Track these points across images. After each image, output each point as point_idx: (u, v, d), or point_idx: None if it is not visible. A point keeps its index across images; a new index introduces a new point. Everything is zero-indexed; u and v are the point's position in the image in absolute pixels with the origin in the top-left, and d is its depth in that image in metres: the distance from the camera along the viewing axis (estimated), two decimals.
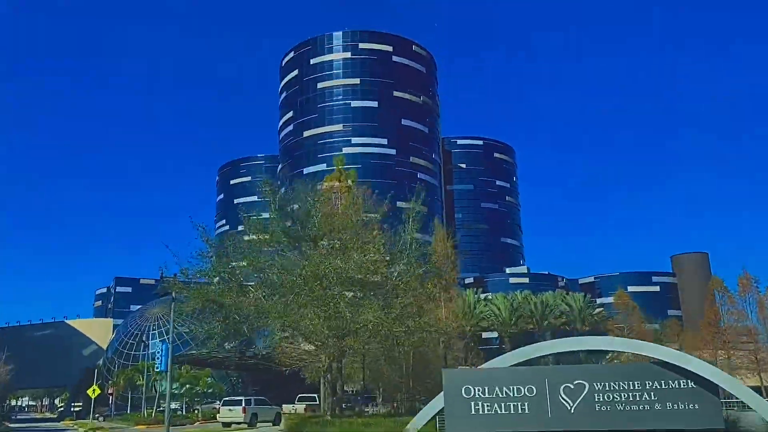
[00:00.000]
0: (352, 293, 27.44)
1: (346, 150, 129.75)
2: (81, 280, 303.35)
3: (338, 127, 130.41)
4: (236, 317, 29.24)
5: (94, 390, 57.49)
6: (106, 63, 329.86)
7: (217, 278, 28.72)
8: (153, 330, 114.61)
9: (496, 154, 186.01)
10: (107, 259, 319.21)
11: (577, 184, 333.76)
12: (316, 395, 49.93)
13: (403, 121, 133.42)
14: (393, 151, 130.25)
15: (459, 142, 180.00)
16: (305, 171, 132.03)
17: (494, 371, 19.14)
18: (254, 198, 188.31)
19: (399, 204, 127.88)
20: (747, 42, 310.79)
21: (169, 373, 31.95)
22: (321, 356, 28.37)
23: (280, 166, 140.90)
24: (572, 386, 17.86)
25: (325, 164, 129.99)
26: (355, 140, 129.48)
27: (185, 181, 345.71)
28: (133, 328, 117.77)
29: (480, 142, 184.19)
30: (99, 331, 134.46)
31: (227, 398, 45.01)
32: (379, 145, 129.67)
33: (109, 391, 75.17)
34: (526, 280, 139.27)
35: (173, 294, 32.29)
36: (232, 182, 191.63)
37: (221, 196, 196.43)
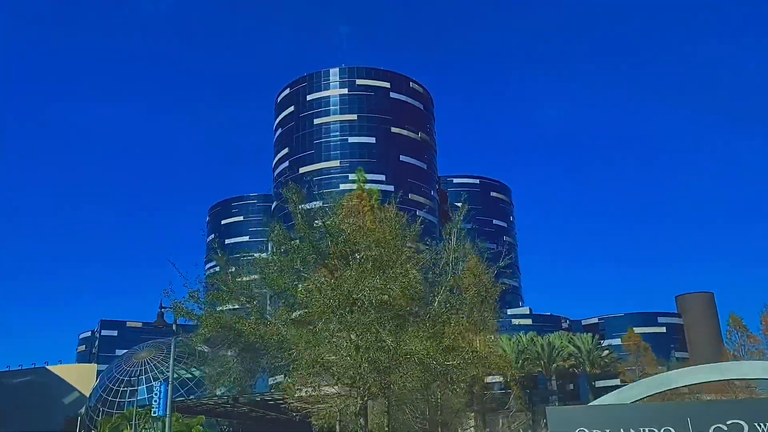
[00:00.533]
0: (392, 321, 22.92)
1: (343, 186, 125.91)
2: (64, 323, 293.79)
3: (335, 163, 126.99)
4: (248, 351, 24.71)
5: None
6: (92, 101, 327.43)
7: (232, 301, 24.25)
8: (141, 375, 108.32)
9: (492, 193, 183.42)
10: (92, 302, 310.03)
11: (575, 224, 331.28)
12: None
13: (402, 158, 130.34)
14: (391, 188, 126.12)
15: (455, 180, 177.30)
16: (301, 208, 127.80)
17: (614, 408, 14.63)
18: (246, 238, 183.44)
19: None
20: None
21: (168, 418, 27.13)
22: (355, 397, 23.65)
23: (274, 204, 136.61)
24: (725, 427, 13.43)
25: (321, 201, 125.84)
26: (352, 176, 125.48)
27: (173, 223, 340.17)
28: (119, 374, 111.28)
29: (476, 181, 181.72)
30: (82, 377, 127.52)
31: None
32: (377, 182, 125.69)
33: None
34: (529, 321, 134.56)
35: (175, 323, 27.71)
36: (223, 222, 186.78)
37: (212, 236, 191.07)
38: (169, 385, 26.71)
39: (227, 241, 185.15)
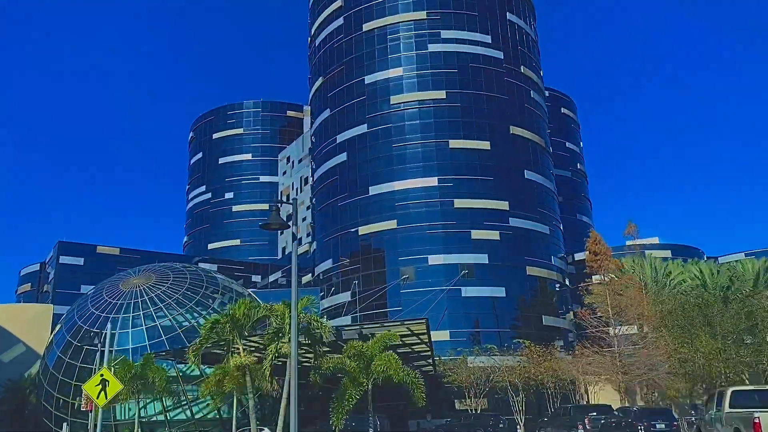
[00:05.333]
0: None
1: (432, 47, 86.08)
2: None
3: (419, 14, 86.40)
4: None
5: (104, 382, 13.16)
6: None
7: None
8: (134, 312, 66.73)
9: (563, 110, 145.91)
10: (39, 230, 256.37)
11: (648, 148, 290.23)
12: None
13: (509, 16, 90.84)
14: (500, 54, 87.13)
15: None
16: (367, 80, 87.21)
17: None
18: (248, 156, 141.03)
19: (513, 130, 78.23)
20: None
21: None
22: None
23: (320, 81, 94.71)
24: None
25: (401, 68, 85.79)
26: (445, 34, 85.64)
27: (144, 140, 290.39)
28: (99, 309, 68.64)
29: (545, 93, 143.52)
30: (31, 324, 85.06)
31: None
32: (480, 44, 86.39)
33: (84, 406, 40.67)
34: (667, 253, 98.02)
35: None
36: (215, 136, 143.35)
37: (199, 155, 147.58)
38: None
39: (221, 161, 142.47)
